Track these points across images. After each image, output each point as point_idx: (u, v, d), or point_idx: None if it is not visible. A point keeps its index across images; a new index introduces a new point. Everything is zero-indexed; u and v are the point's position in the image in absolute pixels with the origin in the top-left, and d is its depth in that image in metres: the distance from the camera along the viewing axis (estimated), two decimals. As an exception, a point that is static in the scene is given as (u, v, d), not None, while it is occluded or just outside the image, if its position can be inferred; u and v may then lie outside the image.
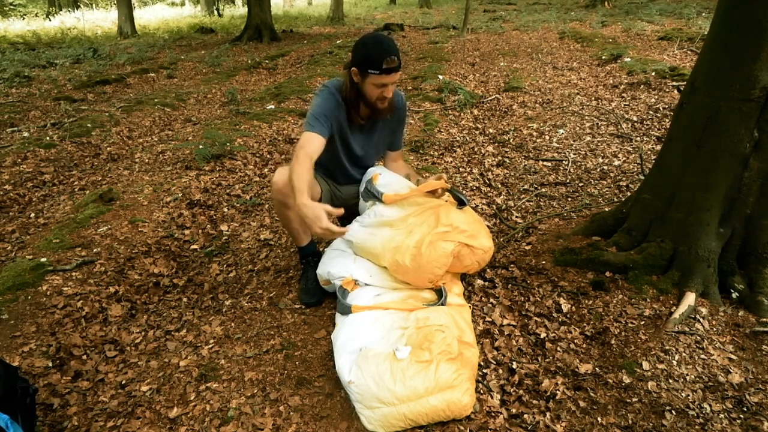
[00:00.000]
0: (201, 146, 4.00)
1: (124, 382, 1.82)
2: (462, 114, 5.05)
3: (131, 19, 13.69)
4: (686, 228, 2.04)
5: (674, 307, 1.97)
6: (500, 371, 1.78)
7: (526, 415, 1.58)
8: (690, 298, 1.97)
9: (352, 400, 1.62)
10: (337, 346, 1.76)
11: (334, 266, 2.09)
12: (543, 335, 1.92)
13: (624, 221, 2.30)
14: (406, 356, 1.60)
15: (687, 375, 1.70)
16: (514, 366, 1.78)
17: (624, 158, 3.67)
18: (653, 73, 5.56)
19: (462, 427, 1.56)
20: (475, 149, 4.06)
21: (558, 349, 1.86)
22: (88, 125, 4.90)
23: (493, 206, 3.06)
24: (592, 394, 1.66)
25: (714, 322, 1.92)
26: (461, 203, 2.08)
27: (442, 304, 1.91)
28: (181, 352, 1.96)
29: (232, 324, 2.12)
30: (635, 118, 4.48)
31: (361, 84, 1.98)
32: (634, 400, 1.63)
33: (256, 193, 3.44)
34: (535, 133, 4.35)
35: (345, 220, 2.45)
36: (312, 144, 1.91)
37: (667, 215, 2.11)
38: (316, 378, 1.80)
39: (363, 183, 2.21)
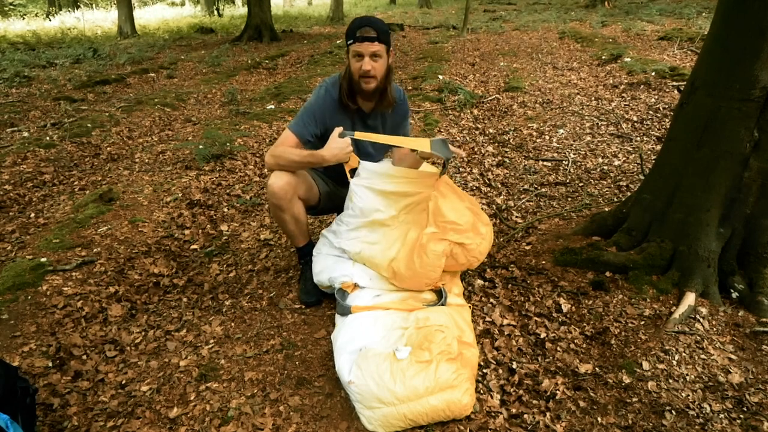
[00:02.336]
0: (201, 146, 4.01)
1: (124, 382, 1.81)
2: (462, 114, 5.05)
3: (131, 19, 13.68)
4: (686, 228, 2.04)
5: (674, 307, 1.97)
6: (500, 371, 1.78)
7: (526, 415, 1.58)
8: (690, 298, 1.97)
9: (352, 400, 1.62)
10: (337, 346, 1.76)
11: (333, 272, 2.07)
12: (543, 335, 1.91)
13: (624, 221, 2.30)
14: (406, 356, 1.60)
15: (687, 375, 1.70)
16: (514, 366, 1.78)
17: (624, 158, 3.67)
18: (653, 73, 5.56)
19: (462, 427, 1.56)
20: (475, 149, 4.06)
21: (558, 349, 1.85)
22: (88, 125, 4.90)
23: (493, 206, 3.06)
24: (592, 394, 1.66)
25: (714, 322, 1.92)
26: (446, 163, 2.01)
27: (442, 305, 1.91)
28: (181, 352, 1.95)
29: (232, 324, 2.12)
30: (635, 118, 4.48)
31: (349, 63, 2.01)
32: (634, 400, 1.63)
33: (256, 193, 3.44)
34: (535, 133, 4.35)
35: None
36: (287, 143, 2.02)
37: (667, 215, 2.11)
38: (316, 378, 1.80)
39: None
